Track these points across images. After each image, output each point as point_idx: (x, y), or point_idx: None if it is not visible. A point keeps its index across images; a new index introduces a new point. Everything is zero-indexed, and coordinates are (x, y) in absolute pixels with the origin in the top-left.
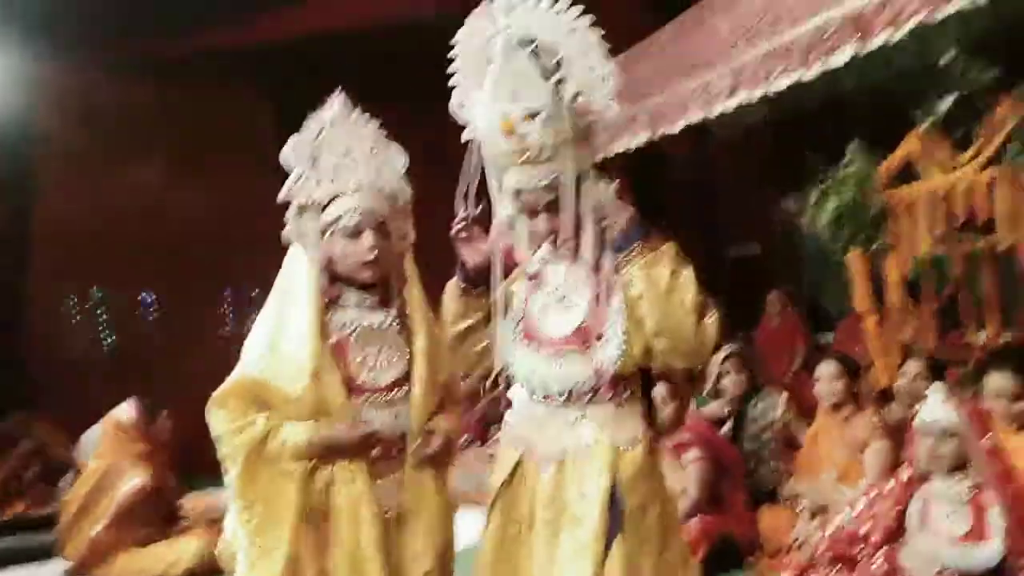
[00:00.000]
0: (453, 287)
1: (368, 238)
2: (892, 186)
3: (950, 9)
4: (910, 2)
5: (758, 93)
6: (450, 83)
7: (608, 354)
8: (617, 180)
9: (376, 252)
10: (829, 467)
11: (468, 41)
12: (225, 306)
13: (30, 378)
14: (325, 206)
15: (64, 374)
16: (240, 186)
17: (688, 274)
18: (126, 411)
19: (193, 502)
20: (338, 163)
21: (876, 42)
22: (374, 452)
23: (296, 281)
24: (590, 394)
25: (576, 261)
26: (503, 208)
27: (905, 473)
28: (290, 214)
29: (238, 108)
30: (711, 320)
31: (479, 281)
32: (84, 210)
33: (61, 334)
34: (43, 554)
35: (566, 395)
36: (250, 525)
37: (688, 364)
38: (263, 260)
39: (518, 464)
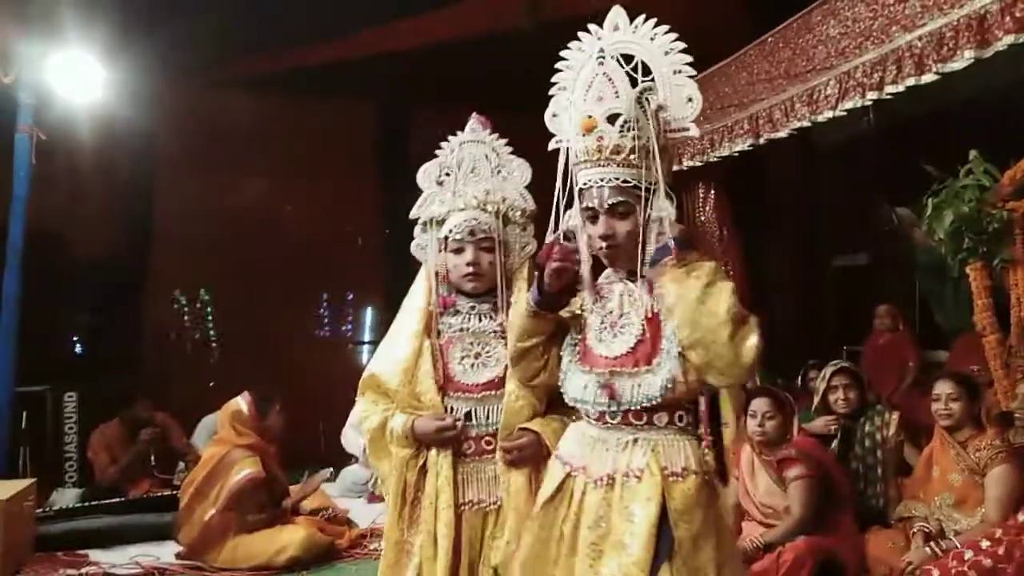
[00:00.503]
0: (524, 305)
1: (468, 253)
2: (1014, 198)
3: None
4: None
5: (867, 100)
6: (549, 93)
7: (659, 378)
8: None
9: (474, 267)
10: (944, 491)
11: (572, 56)
12: (322, 309)
13: (147, 372)
14: (442, 221)
15: (176, 369)
16: (339, 193)
17: (724, 286)
18: (241, 403)
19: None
20: (462, 180)
21: (999, 46)
22: (463, 446)
23: (415, 289)
24: (645, 417)
25: (634, 278)
26: (572, 218)
27: None
28: (417, 230)
29: (339, 119)
30: (749, 334)
31: (554, 306)
32: (196, 216)
33: (174, 332)
34: (162, 534)
35: (620, 416)
36: (384, 495)
37: (726, 382)
38: (361, 264)
39: (564, 481)
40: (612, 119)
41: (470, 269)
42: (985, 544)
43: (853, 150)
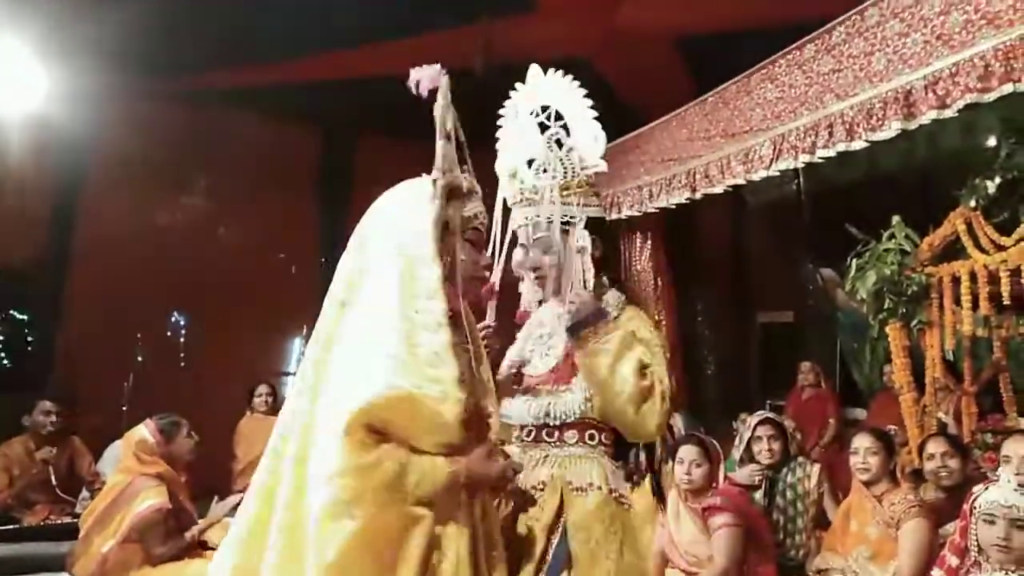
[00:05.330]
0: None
1: None
2: (933, 263)
3: (997, 93)
4: (958, 83)
5: (800, 162)
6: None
7: (571, 399)
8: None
9: None
10: (861, 544)
11: (506, 112)
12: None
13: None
14: None
15: (94, 391)
16: (276, 218)
17: (628, 368)
18: (144, 431)
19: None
20: None
21: (923, 120)
22: None
23: None
24: (555, 436)
25: (559, 302)
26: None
27: (953, 560)
28: None
29: (283, 142)
30: (652, 407)
31: None
32: (123, 232)
33: (94, 352)
34: (57, 566)
35: (533, 434)
36: None
37: (635, 440)
38: (293, 292)
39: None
40: (529, 163)
41: None
42: None
43: (782, 210)
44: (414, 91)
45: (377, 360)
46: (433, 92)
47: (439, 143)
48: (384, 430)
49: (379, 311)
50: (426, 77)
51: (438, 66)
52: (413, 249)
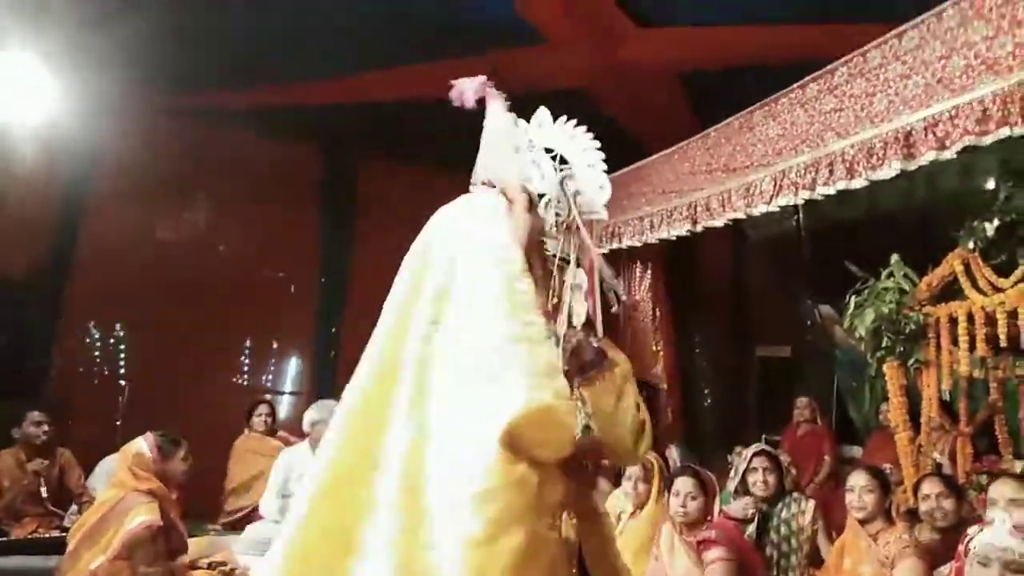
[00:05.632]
0: None
1: None
2: (931, 303)
3: (994, 136)
4: (957, 126)
5: (800, 198)
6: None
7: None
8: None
9: None
10: None
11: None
12: (244, 355)
13: (51, 403)
14: None
15: (85, 405)
16: (278, 237)
17: (629, 401)
18: (142, 445)
19: (197, 544)
20: None
21: (922, 160)
22: None
23: None
24: None
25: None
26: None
27: None
28: None
29: (286, 163)
30: (645, 438)
31: None
32: (124, 245)
33: (86, 366)
34: None
35: None
36: None
37: (619, 465)
38: (291, 312)
39: None
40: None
41: None
42: None
43: (782, 246)
44: (457, 103)
45: (511, 375)
46: (480, 102)
47: (510, 155)
48: (522, 445)
49: (488, 327)
50: (471, 88)
51: (483, 77)
52: (510, 264)
